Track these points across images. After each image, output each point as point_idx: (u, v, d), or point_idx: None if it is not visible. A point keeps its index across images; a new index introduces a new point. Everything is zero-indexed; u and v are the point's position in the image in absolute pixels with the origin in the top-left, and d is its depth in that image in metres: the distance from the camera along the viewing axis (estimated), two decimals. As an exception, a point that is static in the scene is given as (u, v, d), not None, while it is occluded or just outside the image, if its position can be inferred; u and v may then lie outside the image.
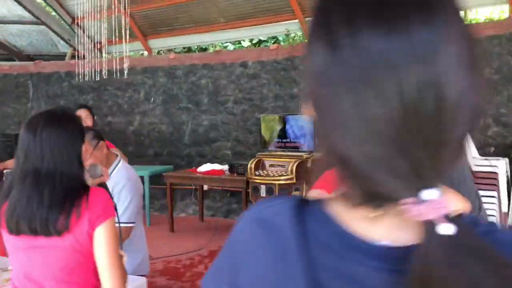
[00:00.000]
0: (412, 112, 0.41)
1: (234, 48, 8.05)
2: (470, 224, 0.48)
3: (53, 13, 7.58)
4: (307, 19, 6.31)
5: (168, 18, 7.18)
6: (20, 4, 6.92)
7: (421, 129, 0.42)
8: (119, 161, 2.35)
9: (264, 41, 7.85)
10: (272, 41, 7.73)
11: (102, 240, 1.48)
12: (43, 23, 7.27)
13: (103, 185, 2.00)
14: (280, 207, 0.51)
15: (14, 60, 8.08)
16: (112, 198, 2.03)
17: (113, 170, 2.28)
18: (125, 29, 4.79)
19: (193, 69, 6.62)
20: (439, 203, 0.42)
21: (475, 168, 4.15)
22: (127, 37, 4.87)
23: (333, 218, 0.49)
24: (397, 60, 0.42)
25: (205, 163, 6.29)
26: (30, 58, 8.05)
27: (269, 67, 6.14)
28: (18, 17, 7.33)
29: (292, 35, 7.33)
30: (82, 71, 5.12)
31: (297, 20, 6.33)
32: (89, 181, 1.93)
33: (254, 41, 7.96)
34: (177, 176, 5.35)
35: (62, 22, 7.41)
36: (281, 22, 6.52)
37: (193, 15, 6.99)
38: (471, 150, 4.45)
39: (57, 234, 1.44)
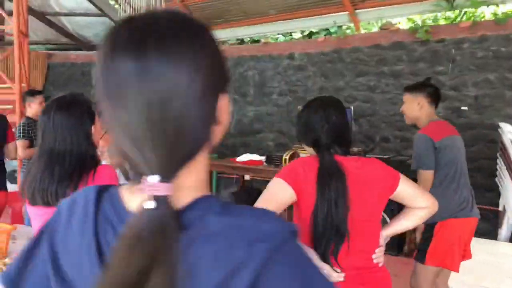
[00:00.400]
0: (145, 121, 0.55)
1: (284, 40, 8.05)
2: (198, 205, 0.60)
3: (116, 6, 8.03)
4: (357, 11, 6.20)
5: (221, 10, 7.36)
6: (86, -3, 7.44)
7: (151, 135, 0.55)
8: None
9: (316, 33, 7.77)
10: (324, 33, 7.63)
11: None
12: (106, 15, 7.75)
13: None
14: (89, 191, 0.67)
15: (82, 50, 8.68)
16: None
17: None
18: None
19: (241, 60, 6.74)
20: (155, 186, 0.55)
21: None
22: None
23: (119, 199, 0.65)
24: (135, 79, 0.55)
25: (248, 153, 6.42)
26: (96, 48, 8.62)
27: (316, 59, 6.11)
28: (85, 9, 7.86)
29: (344, 27, 7.20)
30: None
31: (346, 12, 6.23)
32: (109, 160, 2.12)
33: (305, 33, 7.90)
34: (217, 164, 5.51)
35: (124, 14, 7.84)
36: (331, 14, 6.46)
37: (245, 8, 7.11)
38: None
39: None
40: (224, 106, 0.63)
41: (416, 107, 2.66)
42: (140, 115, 0.55)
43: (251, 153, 6.45)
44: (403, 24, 6.85)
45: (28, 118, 4.04)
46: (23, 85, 5.45)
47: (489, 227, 4.80)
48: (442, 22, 5.64)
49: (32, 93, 4.14)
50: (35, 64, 8.07)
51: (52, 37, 8.74)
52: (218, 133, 0.64)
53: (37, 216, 1.72)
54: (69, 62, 8.27)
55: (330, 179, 1.50)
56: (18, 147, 3.88)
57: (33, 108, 4.04)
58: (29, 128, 3.92)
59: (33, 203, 1.69)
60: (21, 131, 3.89)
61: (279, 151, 6.31)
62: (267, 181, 1.59)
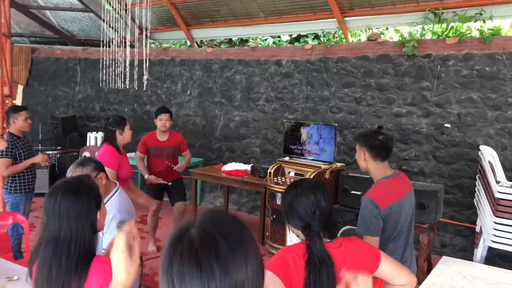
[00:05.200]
0: None
1: (273, 42, 8.00)
2: None
3: (102, 1, 7.87)
4: (345, 18, 6.17)
5: (209, 10, 7.26)
6: (71, -7, 7.27)
7: None
8: (115, 191, 2.52)
9: (304, 36, 7.73)
10: (312, 37, 7.59)
11: None
12: (91, 11, 7.59)
13: None
14: None
15: (67, 44, 8.53)
16: None
17: (108, 200, 2.45)
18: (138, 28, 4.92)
19: (229, 63, 6.70)
20: None
21: (498, 195, 3.94)
22: (141, 34, 5.01)
23: None
24: None
25: (234, 158, 6.45)
26: (81, 42, 8.46)
27: (302, 67, 6.10)
28: (70, 4, 7.69)
29: (335, 34, 7.16)
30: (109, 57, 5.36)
31: (335, 19, 6.20)
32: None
33: (293, 36, 7.86)
34: (202, 173, 5.54)
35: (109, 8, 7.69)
36: (319, 20, 6.42)
37: (234, 9, 7.03)
38: (498, 174, 4.24)
39: None
40: None
41: (362, 159, 2.45)
42: None
43: (237, 158, 6.49)
44: (390, 34, 6.85)
45: (11, 135, 3.98)
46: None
47: (465, 243, 4.94)
48: (429, 35, 5.64)
49: (16, 109, 4.08)
50: (18, 57, 7.93)
51: (36, 29, 8.56)
52: None
53: None
54: (54, 57, 8.13)
55: (321, 268, 1.52)
56: (1, 166, 3.85)
57: (18, 124, 3.99)
58: (13, 146, 3.88)
59: None
60: (4, 149, 3.85)
61: (265, 157, 6.36)
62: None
